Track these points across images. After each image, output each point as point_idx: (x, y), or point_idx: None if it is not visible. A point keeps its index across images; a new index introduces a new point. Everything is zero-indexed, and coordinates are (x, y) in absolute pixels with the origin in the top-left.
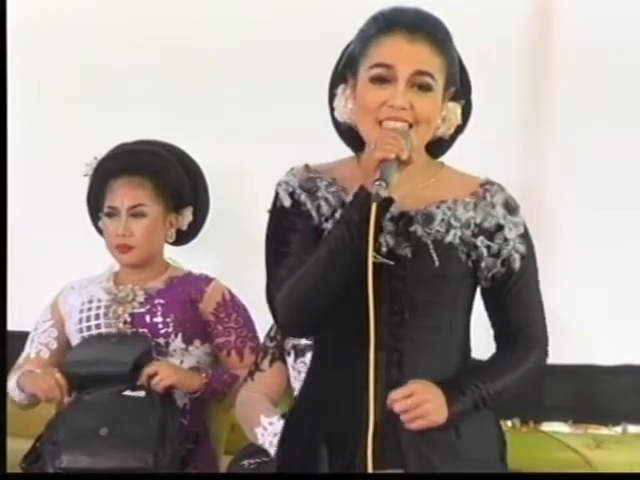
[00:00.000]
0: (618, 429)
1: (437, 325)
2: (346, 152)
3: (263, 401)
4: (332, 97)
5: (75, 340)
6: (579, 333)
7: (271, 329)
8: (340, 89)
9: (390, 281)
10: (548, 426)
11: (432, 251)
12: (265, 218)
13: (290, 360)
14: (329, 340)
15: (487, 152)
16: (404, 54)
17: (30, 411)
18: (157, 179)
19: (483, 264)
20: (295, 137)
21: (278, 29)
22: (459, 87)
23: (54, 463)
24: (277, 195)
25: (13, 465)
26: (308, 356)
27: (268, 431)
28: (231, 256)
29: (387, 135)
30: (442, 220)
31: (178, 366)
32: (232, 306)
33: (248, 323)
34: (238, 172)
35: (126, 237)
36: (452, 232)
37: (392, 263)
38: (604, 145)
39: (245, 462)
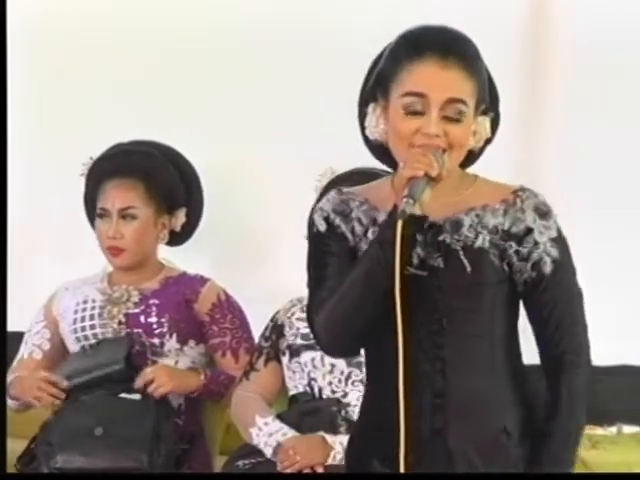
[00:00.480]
0: (613, 429)
1: (477, 332)
2: (341, 150)
3: (258, 401)
4: (362, 115)
5: (69, 341)
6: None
7: (266, 329)
8: (370, 108)
9: (426, 291)
10: None
11: (462, 257)
12: (260, 218)
13: (285, 360)
14: (375, 358)
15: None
16: (436, 82)
17: (30, 412)
18: (149, 181)
19: (515, 268)
20: (291, 137)
21: (274, 29)
22: (488, 102)
23: (49, 463)
24: (313, 221)
25: (13, 465)
26: (303, 356)
27: (263, 431)
28: (226, 257)
29: (417, 153)
30: (470, 226)
31: (175, 369)
32: (227, 307)
33: (243, 324)
34: (234, 172)
35: (116, 239)
36: (481, 237)
37: (424, 274)
38: (602, 145)
39: (240, 462)
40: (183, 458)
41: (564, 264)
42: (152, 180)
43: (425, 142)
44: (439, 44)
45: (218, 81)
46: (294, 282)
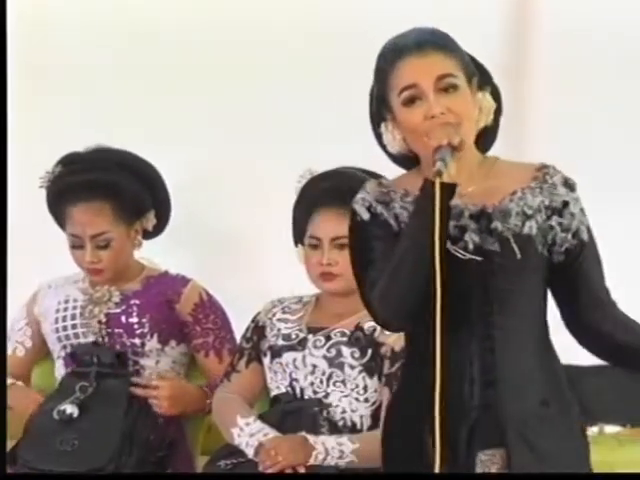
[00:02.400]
0: (595, 429)
1: (523, 312)
2: (322, 151)
3: (239, 402)
4: (379, 137)
5: (51, 340)
6: (554, 333)
7: (247, 330)
8: (383, 127)
9: (480, 275)
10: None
11: (514, 244)
12: (242, 218)
13: (266, 361)
14: (421, 334)
15: None
16: (420, 69)
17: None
18: (115, 199)
19: (558, 239)
20: (272, 139)
21: (254, 29)
22: (480, 76)
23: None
24: (354, 212)
25: None
26: (284, 357)
27: (245, 432)
28: (207, 258)
29: (436, 125)
30: (517, 213)
31: (184, 390)
32: (210, 307)
33: (226, 324)
34: (215, 173)
35: (94, 263)
36: (527, 224)
37: (480, 259)
38: (590, 142)
39: (222, 463)
40: (165, 459)
41: (592, 233)
42: (118, 197)
43: (436, 122)
44: (411, 41)
45: (201, 82)
46: (275, 283)
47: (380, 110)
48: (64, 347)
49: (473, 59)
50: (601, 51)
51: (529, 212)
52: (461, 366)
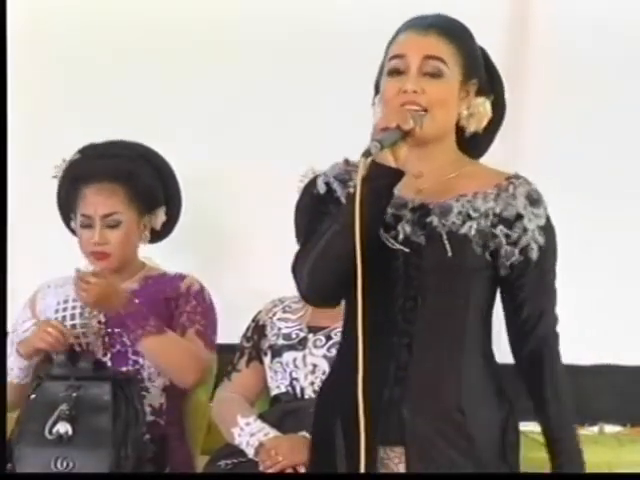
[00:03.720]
0: (595, 429)
1: (448, 313)
2: (324, 151)
3: (240, 401)
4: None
5: None
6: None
7: (247, 329)
8: (377, 99)
9: (405, 268)
10: (524, 426)
11: (445, 241)
12: (244, 217)
13: (267, 360)
14: (349, 317)
15: None
16: (415, 44)
17: None
18: (129, 184)
19: (502, 251)
20: (273, 138)
21: (254, 31)
22: (485, 81)
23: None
24: (315, 183)
25: None
26: (284, 356)
27: (245, 431)
28: (208, 258)
29: (393, 108)
30: (459, 213)
31: (116, 293)
32: (194, 295)
33: (205, 313)
34: (216, 174)
35: (102, 245)
36: (468, 224)
37: (407, 250)
38: (583, 142)
39: (222, 462)
40: (160, 456)
41: (549, 252)
42: (132, 183)
43: (405, 99)
44: (424, 20)
45: (201, 81)
46: (276, 283)
47: (377, 82)
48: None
49: (489, 66)
50: (599, 51)
51: (473, 215)
52: (378, 358)
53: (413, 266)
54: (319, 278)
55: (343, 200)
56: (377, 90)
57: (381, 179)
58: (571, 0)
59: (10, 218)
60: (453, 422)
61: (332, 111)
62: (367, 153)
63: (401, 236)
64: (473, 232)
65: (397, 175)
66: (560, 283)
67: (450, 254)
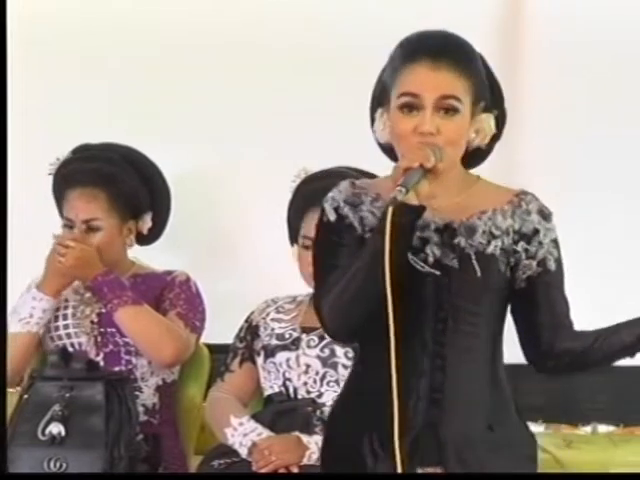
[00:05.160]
0: (588, 429)
1: (477, 332)
2: (316, 151)
3: (233, 402)
4: (373, 120)
5: (44, 339)
6: None
7: (240, 330)
8: (378, 113)
9: (436, 290)
10: None
11: (475, 262)
12: (237, 217)
13: (260, 361)
14: (372, 344)
15: None
16: (428, 82)
17: None
18: (111, 190)
19: (521, 266)
20: (267, 138)
21: (247, 31)
22: (489, 100)
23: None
24: (323, 210)
25: None
26: (278, 356)
27: (238, 431)
28: (201, 258)
29: (414, 146)
30: (484, 232)
31: (91, 255)
32: (179, 284)
33: (189, 300)
34: (209, 173)
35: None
36: (493, 243)
37: (438, 273)
38: (578, 142)
39: (215, 462)
40: (158, 458)
41: (560, 264)
42: (114, 188)
43: (422, 140)
44: (431, 48)
45: (195, 82)
46: (269, 283)
47: (380, 96)
48: (56, 347)
49: (491, 78)
50: (596, 52)
51: (496, 233)
52: (409, 381)
53: (443, 288)
54: (345, 316)
55: (356, 225)
56: (375, 104)
57: (404, 217)
58: (565, 2)
59: (10, 218)
60: (484, 439)
61: (326, 112)
62: (394, 201)
63: (431, 259)
64: (498, 251)
65: (420, 211)
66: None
67: (479, 274)
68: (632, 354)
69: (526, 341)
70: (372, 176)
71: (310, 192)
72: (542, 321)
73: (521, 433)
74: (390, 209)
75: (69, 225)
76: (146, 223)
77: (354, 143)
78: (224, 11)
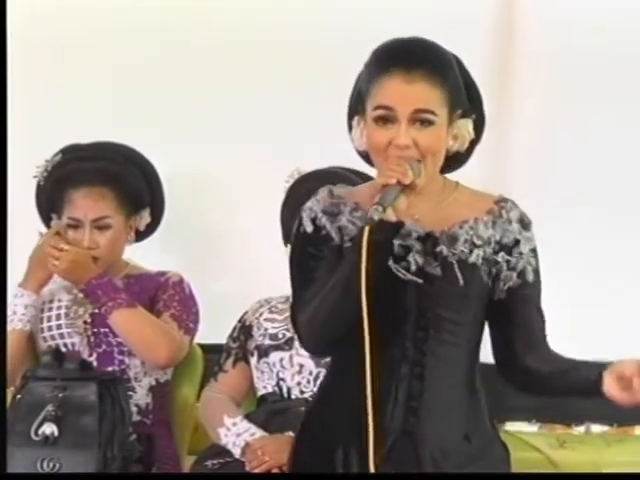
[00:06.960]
0: (581, 429)
1: (457, 341)
2: (310, 151)
3: (226, 402)
4: (350, 127)
5: (37, 339)
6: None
7: (234, 330)
8: (355, 121)
9: (418, 298)
10: (511, 426)
11: (457, 270)
12: (230, 217)
13: (253, 361)
14: (348, 354)
15: None
16: (403, 95)
17: None
18: (117, 188)
19: (502, 276)
20: (260, 138)
21: (244, 30)
22: (467, 105)
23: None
24: (300, 220)
25: None
26: (271, 356)
27: (231, 431)
28: (194, 258)
29: (391, 162)
30: (465, 240)
31: (84, 255)
32: (172, 285)
33: (182, 301)
34: (202, 173)
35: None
36: (475, 252)
37: (420, 281)
38: (569, 145)
39: (209, 462)
40: (151, 458)
41: (538, 273)
42: (120, 187)
43: (398, 154)
44: (406, 58)
45: (190, 81)
46: (262, 283)
47: (357, 104)
48: (49, 347)
49: (468, 82)
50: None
51: (478, 242)
52: (388, 387)
53: (425, 296)
54: (321, 331)
55: (334, 235)
56: (352, 111)
57: (382, 234)
58: (558, 2)
59: (10, 218)
60: (461, 451)
61: (319, 112)
62: (370, 221)
63: (413, 267)
64: (480, 260)
65: (398, 228)
66: (555, 283)
67: (462, 283)
68: (588, 396)
69: (498, 353)
70: (365, 176)
71: (303, 192)
72: (517, 337)
73: (495, 444)
74: (366, 229)
75: (75, 225)
76: (145, 219)
77: (347, 143)
78: (224, 11)
